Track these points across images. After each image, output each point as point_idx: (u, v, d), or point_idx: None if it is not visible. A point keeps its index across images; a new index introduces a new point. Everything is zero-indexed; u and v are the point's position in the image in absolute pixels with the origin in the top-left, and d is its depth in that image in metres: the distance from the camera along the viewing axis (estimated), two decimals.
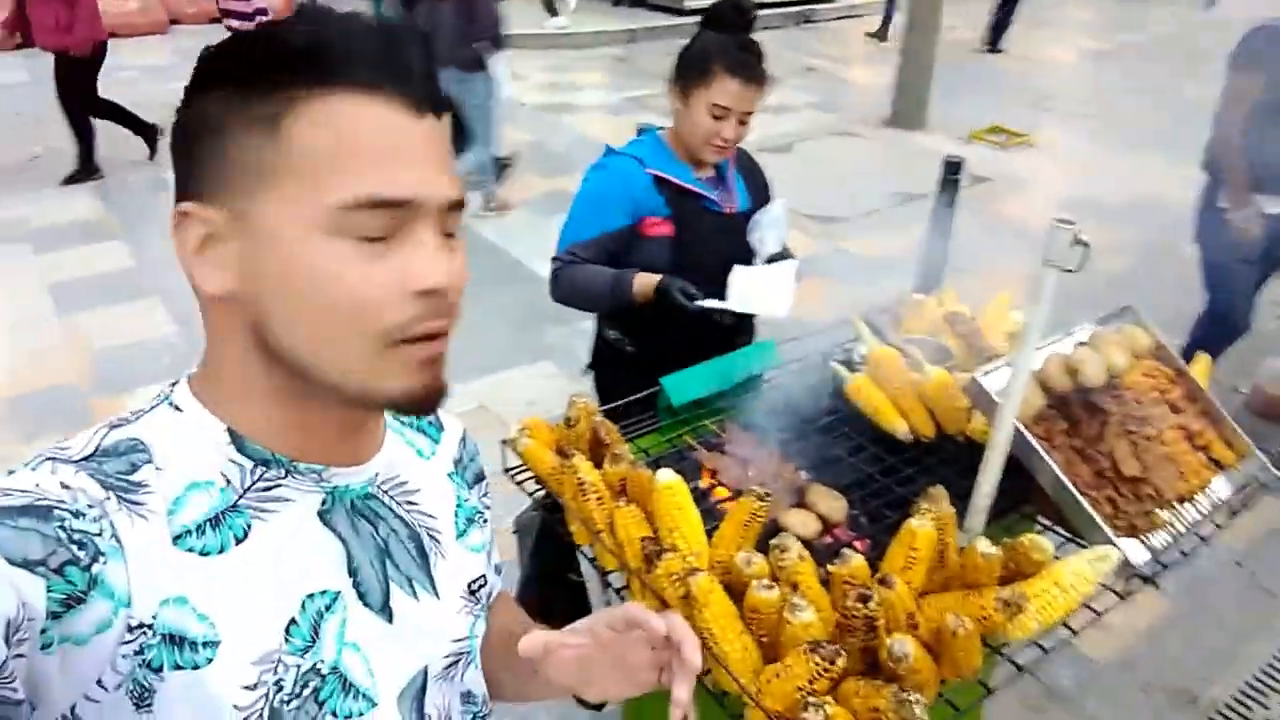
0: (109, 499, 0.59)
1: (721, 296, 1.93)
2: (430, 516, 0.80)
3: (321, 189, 0.59)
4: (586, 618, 0.81)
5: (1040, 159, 7.38)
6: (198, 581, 0.61)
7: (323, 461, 0.69)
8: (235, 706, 0.62)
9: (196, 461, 0.64)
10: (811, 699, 1.05)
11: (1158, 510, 1.46)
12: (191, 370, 0.69)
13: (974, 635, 1.13)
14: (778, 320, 1.97)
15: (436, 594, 0.78)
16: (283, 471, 0.67)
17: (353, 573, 0.71)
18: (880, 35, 10.83)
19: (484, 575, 0.86)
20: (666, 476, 1.29)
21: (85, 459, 0.61)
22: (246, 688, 0.62)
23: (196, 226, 0.62)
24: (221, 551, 0.63)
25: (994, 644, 1.28)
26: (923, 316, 2.00)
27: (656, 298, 1.89)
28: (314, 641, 0.66)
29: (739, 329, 2.10)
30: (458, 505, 0.84)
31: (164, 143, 6.29)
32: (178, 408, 0.66)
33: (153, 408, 0.67)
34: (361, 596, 0.71)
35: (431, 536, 0.79)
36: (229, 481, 0.65)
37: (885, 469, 1.67)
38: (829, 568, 1.25)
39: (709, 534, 1.35)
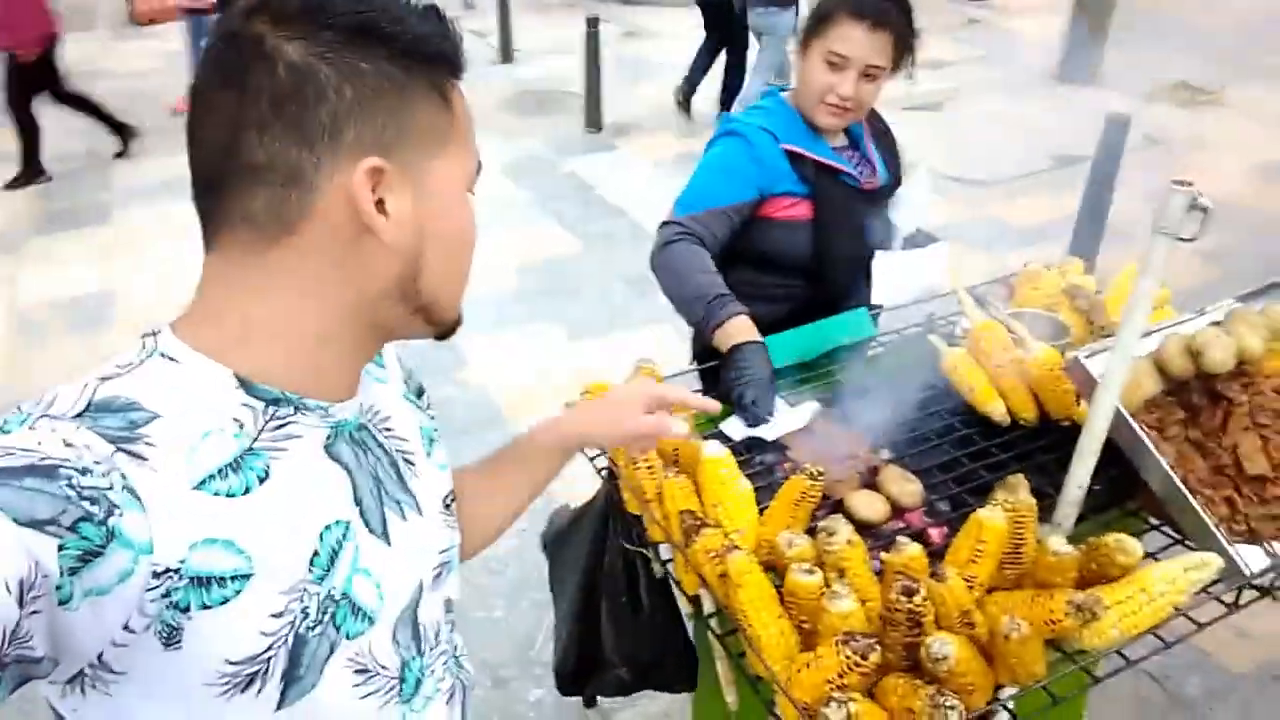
0: (116, 453, 0.59)
1: (853, 287, 1.80)
2: (404, 440, 0.84)
3: (468, 155, 0.73)
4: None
5: (1231, 119, 6.64)
6: (228, 521, 0.63)
7: (327, 398, 0.72)
8: (262, 633, 0.65)
9: (205, 409, 0.65)
10: (837, 694, 0.98)
11: None
12: (169, 321, 0.69)
13: (1032, 640, 1.02)
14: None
15: (421, 512, 0.83)
16: (292, 409, 0.70)
17: (358, 501, 0.74)
18: None
19: (453, 490, 0.91)
20: (713, 449, 1.24)
21: (80, 414, 0.61)
22: (274, 615, 0.65)
23: (383, 181, 0.66)
24: (247, 492, 0.65)
25: (1069, 650, 1.16)
26: (1039, 289, 1.83)
27: (729, 357, 1.62)
28: (330, 569, 0.70)
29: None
30: (421, 427, 0.89)
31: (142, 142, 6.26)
32: (171, 358, 0.66)
33: (142, 361, 0.66)
34: (367, 523, 0.75)
35: (407, 460, 0.84)
36: (242, 426, 0.66)
37: (975, 453, 1.54)
38: (883, 556, 1.17)
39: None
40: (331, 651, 0.70)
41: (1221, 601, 1.23)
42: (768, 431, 1.55)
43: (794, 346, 1.73)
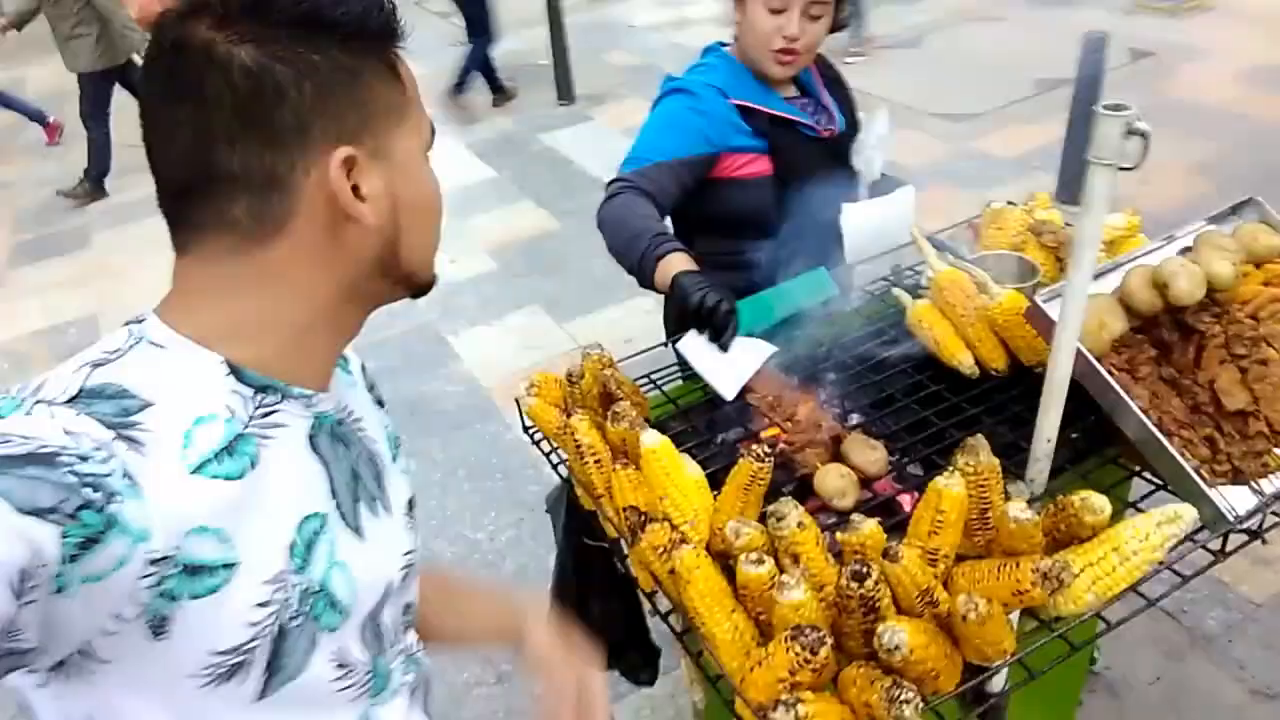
0: (115, 439, 0.59)
1: (823, 244, 1.69)
2: (374, 440, 0.85)
3: (422, 120, 0.74)
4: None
5: (1221, 24, 6.44)
6: (222, 506, 0.63)
7: (310, 386, 0.74)
8: (248, 624, 0.65)
9: (197, 395, 0.65)
10: (785, 696, 0.91)
11: (1275, 450, 1.20)
12: (153, 308, 0.70)
13: (994, 617, 0.95)
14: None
15: (390, 512, 0.84)
16: (279, 396, 0.71)
17: (335, 494, 0.75)
18: None
19: (414, 497, 0.91)
20: (651, 439, 1.17)
21: (73, 399, 0.60)
22: (259, 605, 0.66)
23: (356, 168, 0.67)
24: (241, 476, 0.65)
25: (1045, 618, 1.10)
26: (1004, 228, 1.73)
27: (675, 284, 1.50)
28: (308, 561, 0.70)
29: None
30: (386, 431, 0.89)
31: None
32: (159, 345, 0.66)
33: (130, 347, 0.66)
34: (343, 517, 0.75)
35: (379, 460, 0.84)
36: (233, 412, 0.66)
37: (945, 410, 1.47)
38: (837, 535, 1.10)
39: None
40: (313, 644, 0.71)
41: (1208, 550, 1.16)
42: (724, 380, 1.47)
43: (750, 314, 1.65)
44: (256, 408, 0.68)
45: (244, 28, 0.63)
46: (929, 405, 1.48)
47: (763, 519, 1.14)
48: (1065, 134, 4.27)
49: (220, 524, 0.63)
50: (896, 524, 1.22)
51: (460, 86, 6.49)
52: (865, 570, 0.97)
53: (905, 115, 5.38)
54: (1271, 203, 1.47)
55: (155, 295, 0.71)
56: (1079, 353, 1.18)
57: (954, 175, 4.82)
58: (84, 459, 0.56)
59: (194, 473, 0.62)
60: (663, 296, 1.64)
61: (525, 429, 1.52)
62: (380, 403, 0.93)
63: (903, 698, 0.88)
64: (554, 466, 1.49)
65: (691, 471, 1.20)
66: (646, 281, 1.60)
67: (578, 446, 1.28)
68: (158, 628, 0.61)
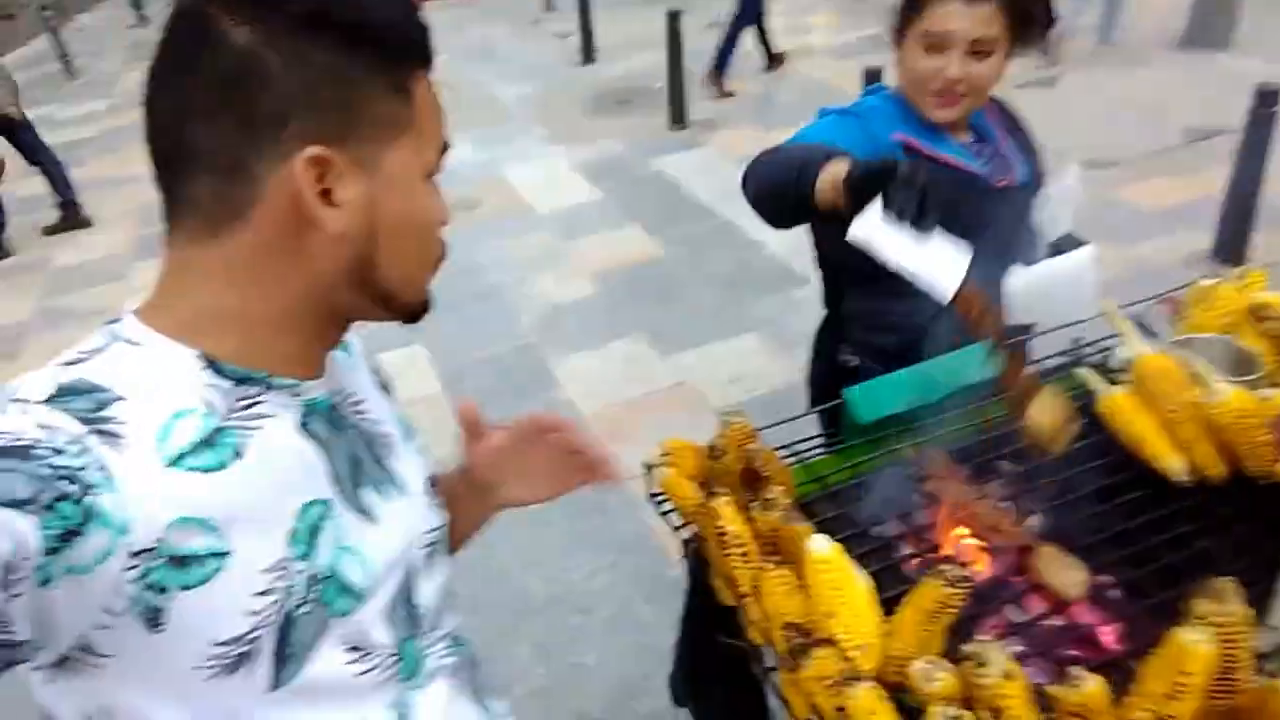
0: (89, 433, 0.59)
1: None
2: (378, 422, 0.84)
3: (429, 142, 0.72)
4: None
5: None
6: (203, 497, 0.63)
7: (297, 376, 0.73)
8: (249, 613, 0.65)
9: (172, 390, 0.65)
10: None
11: None
12: (133, 307, 0.70)
13: None
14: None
15: (404, 491, 0.83)
16: (261, 387, 0.70)
17: (336, 480, 0.74)
18: None
19: (434, 475, 0.91)
20: (820, 547, 0.99)
21: (49, 399, 0.60)
22: (259, 594, 0.65)
23: (328, 170, 0.65)
24: (223, 468, 0.65)
25: None
26: (1214, 309, 1.50)
27: (852, 171, 1.21)
28: (312, 547, 0.69)
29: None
30: (397, 416, 0.88)
31: None
32: (133, 342, 0.66)
33: (105, 345, 0.66)
34: (347, 501, 0.75)
35: (384, 442, 0.83)
36: (211, 406, 0.66)
37: (1150, 522, 1.25)
38: (1048, 690, 0.90)
39: (891, 605, 1.03)
40: (323, 630, 0.70)
41: None
42: (939, 274, 1.18)
43: (911, 385, 1.46)
44: (237, 400, 0.68)
45: (250, 10, 0.63)
46: (1129, 515, 1.27)
47: (948, 654, 0.96)
48: (1227, 189, 3.92)
49: (205, 514, 0.62)
50: (1099, 666, 1.02)
51: (721, 66, 6.88)
52: None
53: None
54: None
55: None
56: None
57: (1094, 225, 4.50)
58: (59, 452, 0.56)
59: (171, 465, 0.62)
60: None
61: (651, 495, 1.37)
62: (386, 388, 0.91)
63: None
64: (685, 544, 1.32)
65: (862, 583, 1.02)
66: (805, 194, 1.29)
67: (721, 535, 1.12)
68: (152, 620, 0.61)
